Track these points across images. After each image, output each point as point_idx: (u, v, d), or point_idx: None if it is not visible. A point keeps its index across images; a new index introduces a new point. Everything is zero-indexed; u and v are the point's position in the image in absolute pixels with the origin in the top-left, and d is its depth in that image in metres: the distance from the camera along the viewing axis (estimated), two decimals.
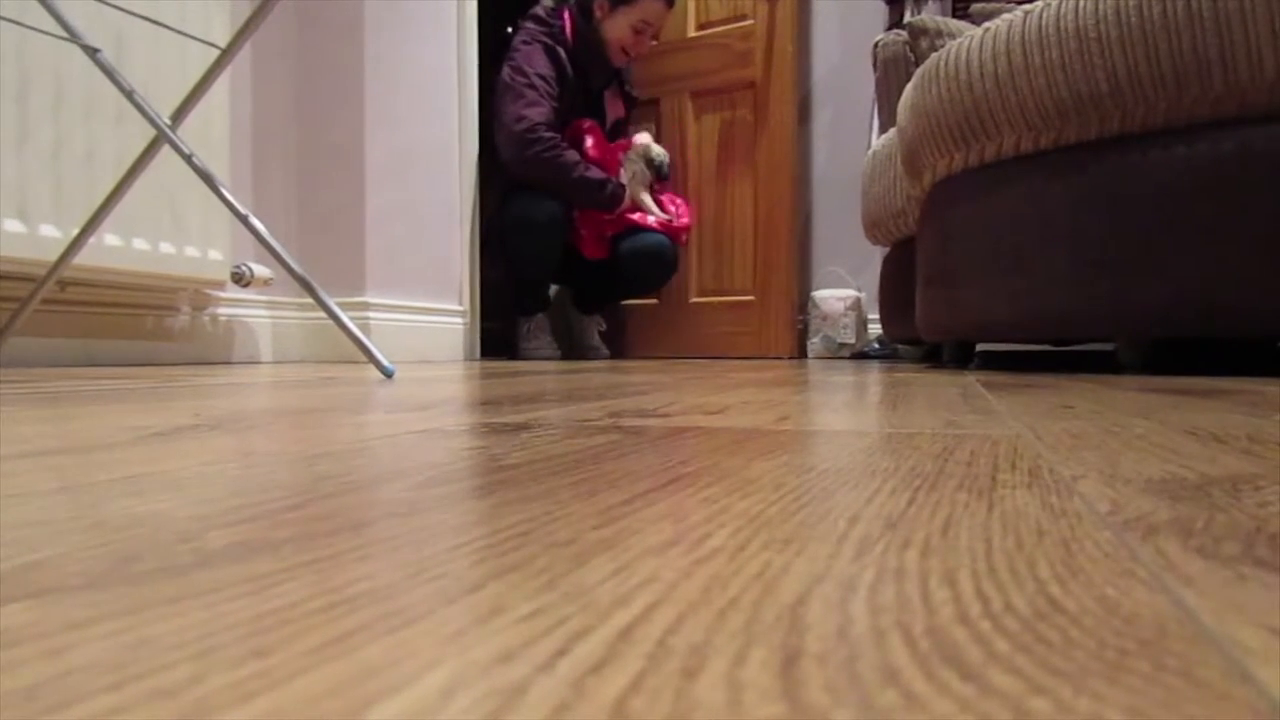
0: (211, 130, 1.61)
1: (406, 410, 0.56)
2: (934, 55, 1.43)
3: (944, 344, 1.70)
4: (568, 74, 2.35)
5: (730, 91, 2.75)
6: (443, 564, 0.17)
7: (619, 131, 2.59)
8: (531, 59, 2.29)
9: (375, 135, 1.94)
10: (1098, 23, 1.19)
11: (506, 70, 2.30)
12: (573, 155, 2.30)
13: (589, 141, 2.39)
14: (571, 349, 2.63)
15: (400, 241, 2.03)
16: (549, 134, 2.25)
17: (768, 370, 1.45)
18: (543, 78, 2.28)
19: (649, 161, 2.48)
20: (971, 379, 1.07)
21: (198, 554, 0.18)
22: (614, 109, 2.58)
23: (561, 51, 2.34)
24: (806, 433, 0.43)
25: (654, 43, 2.48)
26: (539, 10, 2.39)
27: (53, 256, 1.27)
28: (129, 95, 1.13)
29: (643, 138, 2.52)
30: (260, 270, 1.73)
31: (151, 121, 1.12)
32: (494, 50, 2.52)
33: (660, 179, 2.51)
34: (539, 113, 2.24)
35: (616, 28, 2.36)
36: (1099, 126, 1.23)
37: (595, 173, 2.34)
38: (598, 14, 2.36)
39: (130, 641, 0.13)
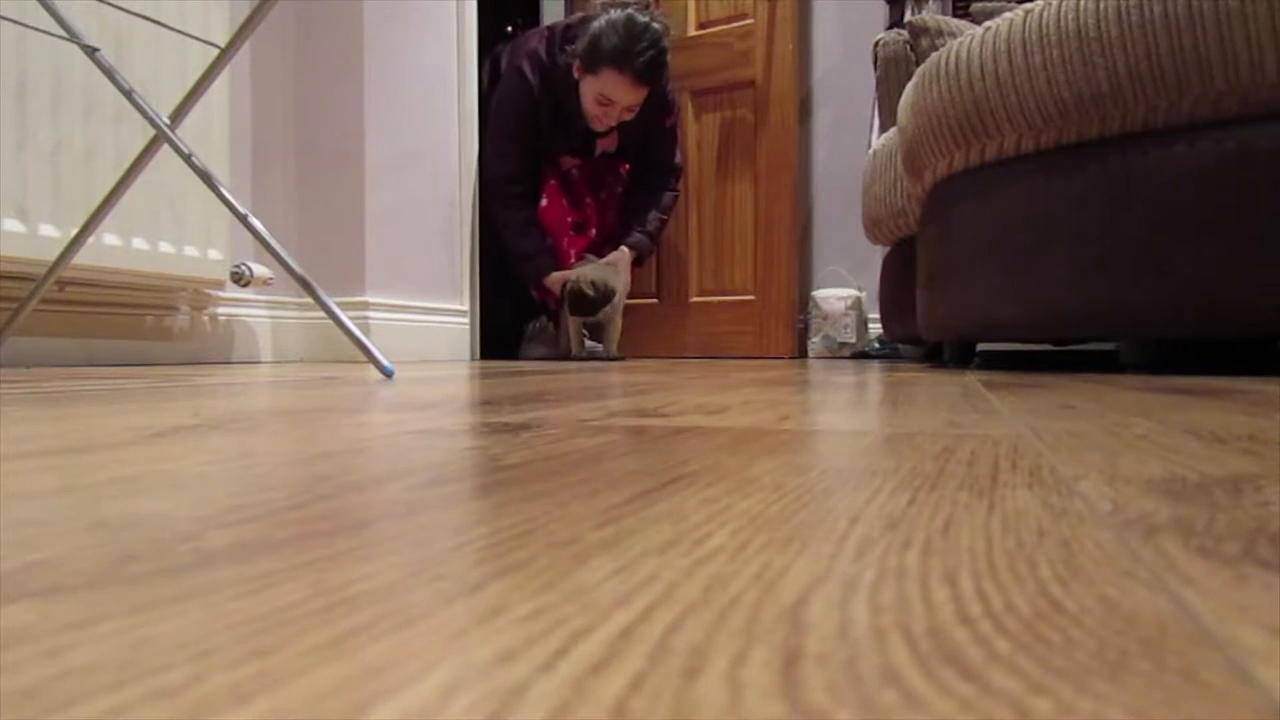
0: (211, 130, 1.61)
1: (406, 410, 0.56)
2: (934, 54, 1.43)
3: (945, 343, 1.70)
4: (543, 112, 2.30)
5: (730, 91, 2.75)
6: (443, 564, 0.17)
7: (613, 168, 2.48)
8: (505, 102, 2.30)
9: (375, 135, 1.94)
10: (1099, 22, 1.19)
11: (493, 102, 2.33)
12: (519, 216, 2.31)
13: (544, 201, 2.37)
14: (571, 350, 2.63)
15: (400, 241, 2.03)
16: (507, 188, 2.31)
17: (768, 370, 1.45)
18: (518, 125, 2.29)
19: (562, 288, 2.20)
20: (972, 378, 1.07)
21: (198, 554, 0.18)
22: (605, 144, 2.44)
23: (547, 89, 2.29)
24: (807, 433, 0.43)
25: (629, 117, 2.30)
26: (536, 45, 2.29)
27: (52, 256, 1.27)
28: (128, 95, 1.13)
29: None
30: (260, 270, 1.73)
31: (151, 121, 1.12)
32: (494, 48, 2.52)
33: (572, 312, 2.18)
34: (502, 166, 2.30)
35: (586, 95, 2.26)
36: (1100, 125, 1.23)
37: (529, 243, 2.31)
38: (576, 75, 2.26)
39: (130, 641, 0.12)
